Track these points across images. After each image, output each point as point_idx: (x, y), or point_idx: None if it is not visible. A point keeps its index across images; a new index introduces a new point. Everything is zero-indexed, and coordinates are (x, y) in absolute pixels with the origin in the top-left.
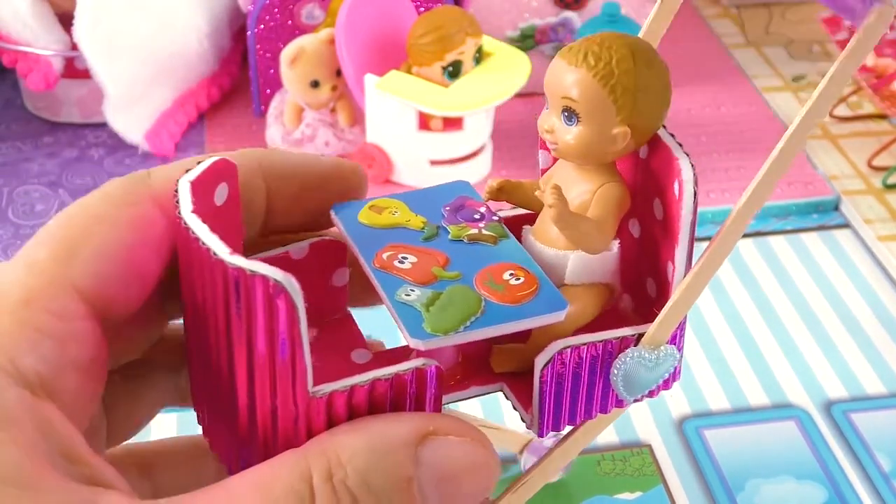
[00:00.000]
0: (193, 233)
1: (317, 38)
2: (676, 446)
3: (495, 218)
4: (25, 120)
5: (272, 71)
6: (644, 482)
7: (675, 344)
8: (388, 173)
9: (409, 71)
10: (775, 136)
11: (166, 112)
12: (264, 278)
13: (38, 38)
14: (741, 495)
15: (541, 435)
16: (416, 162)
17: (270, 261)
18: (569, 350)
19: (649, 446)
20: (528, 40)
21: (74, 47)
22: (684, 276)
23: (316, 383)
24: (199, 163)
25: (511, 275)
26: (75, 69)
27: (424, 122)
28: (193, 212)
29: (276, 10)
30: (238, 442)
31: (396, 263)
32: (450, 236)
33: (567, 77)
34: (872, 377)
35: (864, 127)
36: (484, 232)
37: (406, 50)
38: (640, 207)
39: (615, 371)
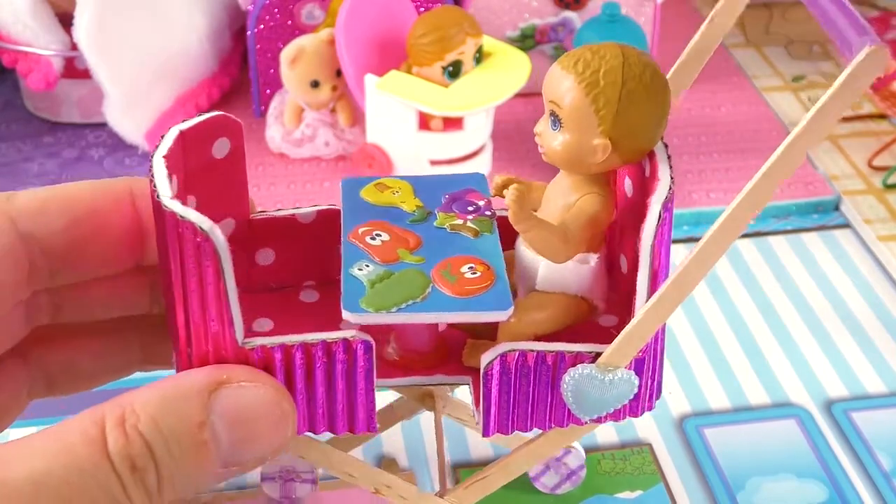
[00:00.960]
0: (151, 175)
1: (317, 38)
2: (677, 445)
3: (488, 213)
4: (25, 120)
5: (272, 71)
6: (644, 481)
7: (637, 371)
8: (387, 173)
9: (409, 71)
10: (775, 136)
11: (166, 112)
12: (192, 225)
13: (39, 38)
14: (741, 494)
15: (485, 434)
16: (416, 162)
17: (275, 221)
18: (516, 353)
19: (649, 445)
20: (528, 40)
21: (74, 47)
22: (646, 300)
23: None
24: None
25: (470, 268)
26: (75, 69)
27: (424, 121)
28: (164, 156)
29: (276, 10)
30: None
31: (368, 239)
32: (435, 222)
33: (556, 81)
34: (873, 376)
35: (865, 127)
36: (468, 224)
37: (406, 50)
38: (631, 236)
39: (564, 385)
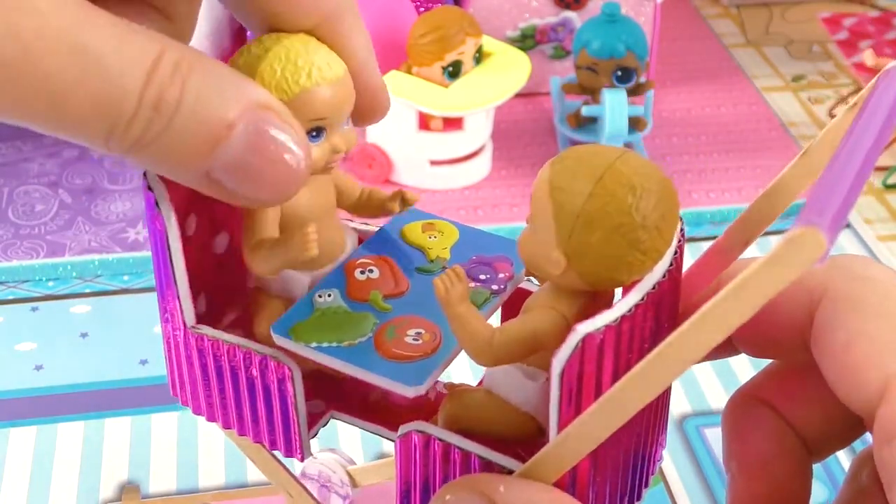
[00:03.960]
0: None
1: None
2: (677, 444)
3: (495, 288)
4: None
5: None
6: None
7: None
8: (387, 173)
9: (409, 71)
10: (775, 136)
11: None
12: (150, 196)
13: None
14: None
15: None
16: (416, 162)
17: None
18: (424, 436)
19: None
20: (528, 40)
21: None
22: (556, 433)
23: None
24: None
25: (417, 333)
26: None
27: (424, 122)
28: None
29: None
30: None
31: (357, 272)
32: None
33: (540, 173)
34: None
35: None
36: None
37: (406, 50)
38: None
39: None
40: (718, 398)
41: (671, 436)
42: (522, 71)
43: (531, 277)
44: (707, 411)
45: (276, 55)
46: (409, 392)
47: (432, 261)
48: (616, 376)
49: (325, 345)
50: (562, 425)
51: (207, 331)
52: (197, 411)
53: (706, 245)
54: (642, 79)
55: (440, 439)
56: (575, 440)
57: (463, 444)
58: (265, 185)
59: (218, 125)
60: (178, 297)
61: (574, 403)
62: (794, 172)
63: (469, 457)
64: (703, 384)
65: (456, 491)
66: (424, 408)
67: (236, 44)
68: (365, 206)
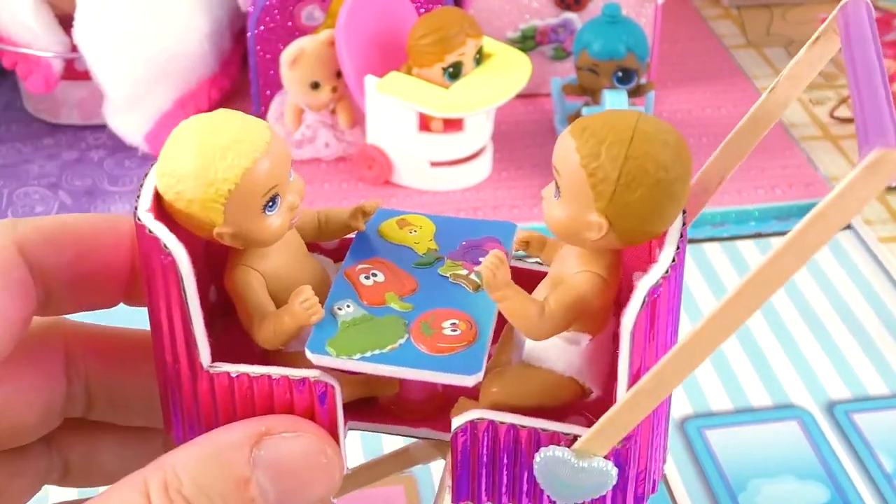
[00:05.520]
0: (140, 186)
1: (317, 40)
2: (678, 446)
3: None
4: (25, 122)
5: (272, 72)
6: None
7: (618, 461)
8: (387, 174)
9: (409, 72)
10: (776, 137)
11: (167, 113)
12: (157, 241)
13: (39, 40)
14: (743, 495)
15: (454, 500)
16: (417, 163)
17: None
18: (485, 423)
19: None
20: (528, 41)
21: (74, 49)
22: (626, 390)
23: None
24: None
25: (452, 324)
26: (75, 71)
27: (425, 123)
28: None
29: (277, 11)
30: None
31: (362, 277)
32: (439, 269)
33: (560, 146)
34: (875, 378)
35: None
36: (471, 276)
37: (406, 51)
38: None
39: (536, 465)
40: (720, 400)
41: (673, 438)
42: (523, 72)
43: (518, 254)
44: (708, 413)
45: (200, 155)
46: (469, 381)
47: (424, 254)
48: (671, 324)
49: (368, 354)
50: (633, 380)
51: (227, 367)
52: None
53: (708, 247)
54: (643, 80)
55: (502, 422)
56: (649, 392)
57: (526, 422)
58: (312, 487)
59: (241, 492)
60: (193, 336)
61: (642, 356)
62: (764, 106)
63: (534, 433)
64: (705, 386)
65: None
66: (435, 399)
67: (237, 45)
68: (325, 231)
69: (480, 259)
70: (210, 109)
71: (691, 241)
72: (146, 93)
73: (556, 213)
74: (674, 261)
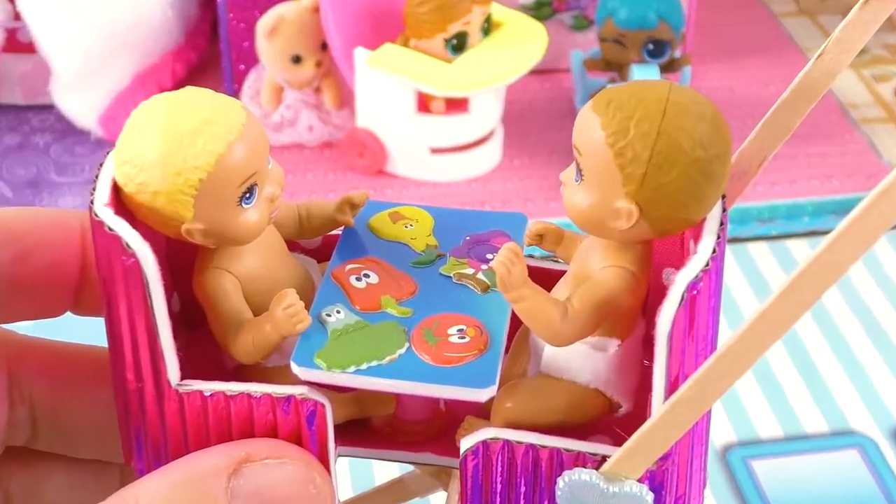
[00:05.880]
0: (97, 175)
1: (299, 6)
2: (719, 479)
3: None
4: None
5: (246, 44)
6: None
7: (653, 486)
8: (381, 163)
9: (405, 44)
10: (833, 119)
11: (124, 92)
12: (118, 239)
13: None
14: None
15: None
16: (415, 150)
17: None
18: (500, 443)
19: None
20: (543, 8)
21: (17, 17)
22: (663, 401)
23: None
24: None
25: (460, 331)
26: (18, 42)
27: (424, 103)
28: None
29: None
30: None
31: (352, 279)
32: (441, 269)
33: (582, 123)
34: None
35: None
36: (479, 276)
37: (403, 20)
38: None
39: (559, 491)
40: (768, 425)
41: (712, 470)
42: (538, 44)
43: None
44: (755, 440)
45: (166, 141)
46: (483, 395)
47: (423, 251)
48: (711, 325)
49: (364, 367)
50: (670, 389)
51: (200, 385)
52: None
53: (753, 247)
54: (677, 53)
55: (519, 442)
56: (689, 403)
57: (547, 441)
58: None
59: None
60: (159, 350)
61: (680, 362)
62: (811, 75)
63: (556, 454)
64: (751, 409)
65: None
66: (437, 419)
67: (206, 12)
68: (307, 227)
69: (489, 256)
70: (175, 87)
71: (734, 240)
72: (100, 67)
73: (577, 199)
74: (714, 252)
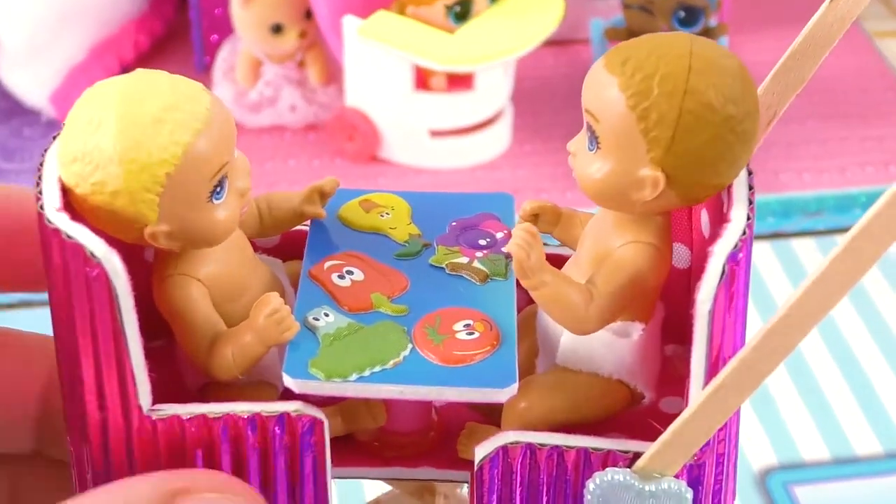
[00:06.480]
0: (40, 169)
1: None
2: None
3: (506, 250)
4: None
5: (219, 11)
6: None
7: (692, 481)
8: (373, 148)
9: (401, 11)
10: (890, 97)
11: (79, 66)
12: (80, 249)
13: None
14: None
15: None
16: (412, 133)
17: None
18: (521, 448)
19: None
20: None
21: None
22: (703, 387)
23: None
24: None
25: (466, 326)
26: None
27: (422, 79)
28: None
29: None
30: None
31: (335, 277)
32: (430, 259)
33: (595, 85)
34: None
35: None
36: (475, 264)
37: None
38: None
39: (588, 495)
40: (814, 447)
41: (750, 495)
42: (552, 11)
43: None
44: (798, 464)
45: (124, 132)
46: (503, 395)
47: (406, 241)
48: (744, 307)
49: (367, 373)
50: (711, 372)
51: (176, 409)
52: None
53: (798, 243)
54: (712, 21)
55: (542, 444)
56: (732, 387)
57: (572, 442)
58: None
59: None
60: (130, 372)
61: (720, 343)
62: (824, 21)
63: (584, 454)
64: (794, 429)
65: None
66: (429, 431)
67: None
68: (269, 224)
69: (481, 241)
70: (137, 60)
71: (775, 235)
72: (51, 39)
73: (593, 170)
74: (749, 219)
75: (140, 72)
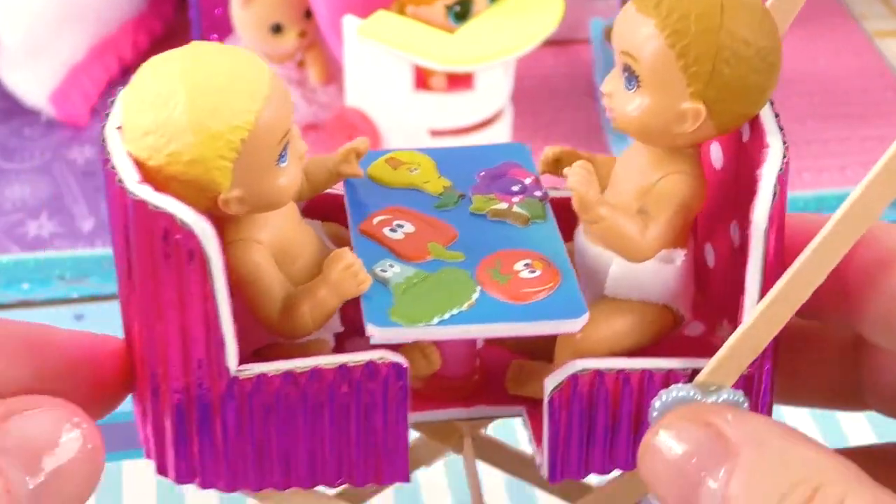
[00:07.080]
0: (106, 153)
1: None
2: None
3: (539, 194)
4: None
5: (219, 11)
6: None
7: (746, 390)
8: (374, 147)
9: (401, 11)
10: (890, 97)
11: (78, 66)
12: (170, 218)
13: None
14: None
15: (551, 480)
16: (412, 132)
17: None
18: (589, 374)
19: None
20: None
21: None
22: (758, 300)
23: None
24: None
25: (527, 265)
26: None
27: (422, 79)
28: (120, 128)
29: None
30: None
31: (387, 231)
32: (470, 208)
33: (631, 27)
34: None
35: None
36: (515, 209)
37: None
38: (722, 219)
39: (654, 412)
40: None
41: None
42: (552, 11)
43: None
44: None
45: (196, 102)
46: (577, 325)
47: (441, 193)
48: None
49: (447, 316)
50: (766, 287)
51: (262, 367)
52: (243, 485)
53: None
54: None
55: (610, 369)
56: (785, 299)
57: (636, 365)
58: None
59: None
60: (221, 340)
61: (773, 260)
62: None
63: (647, 375)
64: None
65: (675, 424)
66: (473, 374)
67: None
68: (306, 187)
69: (514, 188)
70: (136, 59)
71: None
72: (51, 39)
73: (633, 107)
74: (785, 144)
75: (196, 44)
